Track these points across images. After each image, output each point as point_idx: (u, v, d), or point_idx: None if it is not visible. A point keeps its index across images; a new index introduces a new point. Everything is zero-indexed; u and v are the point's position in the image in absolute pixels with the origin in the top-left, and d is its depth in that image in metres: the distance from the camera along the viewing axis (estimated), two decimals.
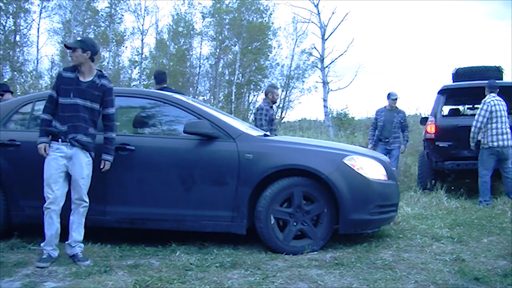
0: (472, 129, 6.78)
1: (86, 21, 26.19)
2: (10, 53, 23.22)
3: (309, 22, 24.49)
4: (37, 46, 25.19)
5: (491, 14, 55.85)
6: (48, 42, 41.98)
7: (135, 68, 30.40)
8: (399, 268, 3.59)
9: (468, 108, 10.22)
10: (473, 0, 55.89)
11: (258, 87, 31.30)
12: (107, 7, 27.19)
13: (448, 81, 9.03)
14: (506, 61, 42.34)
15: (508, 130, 6.69)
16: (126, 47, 29.97)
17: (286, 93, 29.86)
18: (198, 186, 4.21)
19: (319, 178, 4.13)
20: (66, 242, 3.82)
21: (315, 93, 30.08)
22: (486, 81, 7.07)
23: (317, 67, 25.11)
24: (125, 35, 28.98)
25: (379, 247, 4.25)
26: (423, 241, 4.47)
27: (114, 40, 28.26)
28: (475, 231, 4.98)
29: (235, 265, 3.68)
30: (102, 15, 27.38)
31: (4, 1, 22.54)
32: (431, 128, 7.74)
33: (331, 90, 22.80)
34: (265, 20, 29.78)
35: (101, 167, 3.95)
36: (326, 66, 23.06)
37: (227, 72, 31.09)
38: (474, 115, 7.00)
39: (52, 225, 3.76)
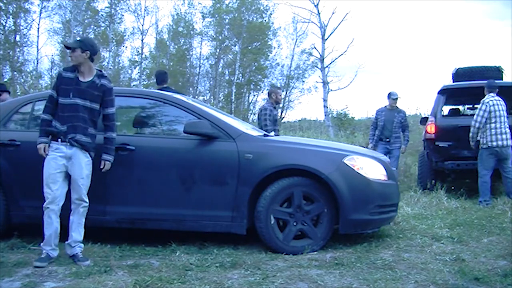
0: (471, 129, 6.79)
1: (86, 21, 26.20)
2: (10, 53, 23.22)
3: (309, 22, 24.52)
4: (37, 46, 25.23)
5: (491, 14, 55.88)
6: (48, 42, 42.02)
7: (135, 68, 30.44)
8: (399, 268, 3.59)
9: (468, 108, 10.21)
10: (473, 0, 55.93)
11: (258, 87, 31.32)
12: (107, 7, 27.22)
13: (448, 81, 9.04)
14: (506, 61, 42.42)
15: (507, 130, 6.69)
16: (126, 47, 30.03)
17: (286, 93, 29.87)
18: (198, 186, 4.21)
19: (319, 178, 4.13)
20: (66, 242, 3.82)
21: (315, 93, 30.13)
22: (486, 81, 7.08)
23: (317, 67, 25.12)
24: (125, 35, 29.00)
25: (379, 247, 4.25)
26: (423, 241, 4.47)
27: (114, 40, 28.27)
28: (475, 231, 4.98)
29: (235, 265, 3.68)
30: (102, 15, 27.40)
31: (4, 1, 22.54)
32: (431, 128, 7.74)
33: (331, 90, 22.82)
34: (265, 20, 29.80)
35: (101, 167, 3.94)
36: (326, 66, 23.06)
37: (227, 72, 31.11)
38: (474, 115, 7.01)
39: (51, 225, 3.76)
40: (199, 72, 30.94)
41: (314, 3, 23.09)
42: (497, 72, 8.37)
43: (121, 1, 27.60)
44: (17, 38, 24.06)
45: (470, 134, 6.82)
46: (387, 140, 8.54)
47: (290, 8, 42.06)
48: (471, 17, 52.97)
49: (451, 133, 7.58)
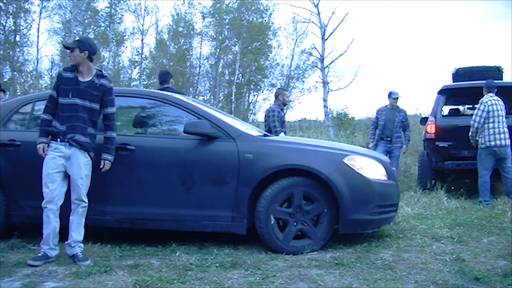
0: (471, 129, 6.81)
1: (86, 21, 26.22)
2: (10, 53, 23.23)
3: (309, 22, 24.53)
4: (37, 46, 25.26)
5: (491, 14, 55.90)
6: (48, 42, 42.10)
7: (135, 68, 30.47)
8: (399, 268, 3.59)
9: (468, 108, 10.21)
10: (473, 0, 55.94)
11: (258, 87, 31.33)
12: (107, 7, 27.25)
13: (448, 81, 9.03)
14: (506, 61, 42.43)
15: (506, 129, 6.70)
16: (126, 47, 30.08)
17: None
18: (198, 186, 4.21)
19: (319, 178, 4.13)
20: (66, 242, 3.82)
21: (315, 93, 30.15)
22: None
23: (317, 67, 25.13)
24: (125, 35, 29.04)
25: (379, 247, 4.25)
26: (423, 241, 4.47)
27: (114, 40, 28.29)
28: (475, 231, 4.98)
29: (235, 265, 3.68)
30: (102, 15, 27.43)
31: (4, 1, 22.55)
32: (431, 128, 7.74)
33: (331, 90, 22.82)
34: (265, 20, 29.83)
35: (101, 166, 3.94)
36: (326, 66, 23.06)
37: (227, 72, 31.13)
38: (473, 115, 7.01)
39: (49, 224, 3.76)
40: (199, 72, 30.96)
41: (314, 3, 23.12)
42: (497, 72, 8.37)
43: (121, 1, 27.63)
44: (17, 38, 24.08)
45: (470, 134, 6.84)
46: (388, 139, 8.52)
47: (290, 8, 42.15)
48: (471, 17, 53.02)
49: (451, 133, 7.58)
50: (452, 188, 7.53)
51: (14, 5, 23.17)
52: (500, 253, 4.05)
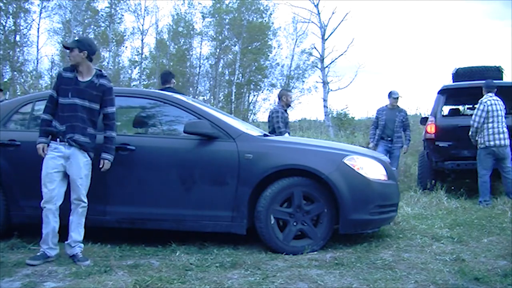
0: (470, 129, 6.81)
1: (86, 21, 26.22)
2: (10, 53, 23.23)
3: (309, 22, 24.54)
4: (37, 46, 25.26)
5: (491, 14, 55.91)
6: (48, 42, 42.10)
7: (135, 68, 30.47)
8: (399, 268, 3.59)
9: (468, 108, 10.21)
10: (473, 0, 55.95)
11: (258, 87, 31.33)
12: (107, 7, 27.25)
13: (448, 81, 9.03)
14: (506, 61, 42.44)
15: (505, 129, 6.71)
16: (126, 47, 30.08)
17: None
18: (198, 186, 4.21)
19: (319, 178, 4.13)
20: (66, 242, 3.82)
21: (315, 93, 30.15)
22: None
23: (317, 67, 25.14)
24: (125, 35, 29.04)
25: (379, 247, 4.25)
26: (423, 241, 4.47)
27: (114, 40, 28.29)
28: (475, 231, 4.98)
29: (235, 265, 3.68)
30: (102, 15, 27.43)
31: (4, 1, 22.55)
32: (431, 128, 7.74)
33: (331, 90, 22.83)
34: (265, 20, 29.82)
35: (100, 166, 3.93)
36: (326, 66, 23.07)
37: (227, 72, 31.12)
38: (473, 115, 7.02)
39: (48, 224, 3.76)
40: (199, 72, 30.96)
41: (314, 3, 23.13)
42: (497, 72, 8.37)
43: (121, 1, 27.63)
44: (17, 38, 24.08)
45: (470, 134, 6.85)
46: (389, 139, 8.50)
47: (290, 8, 42.13)
48: (471, 17, 53.03)
49: (451, 133, 7.58)
50: (452, 188, 7.53)
51: (14, 5, 23.17)
52: (500, 253, 4.05)
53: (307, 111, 65.70)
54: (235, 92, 29.12)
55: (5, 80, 21.87)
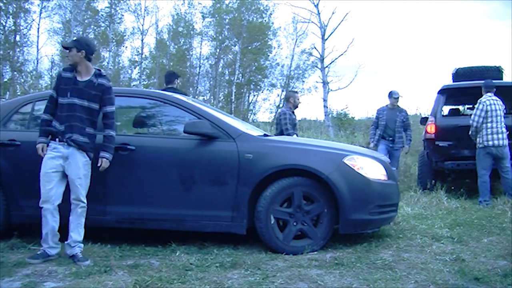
0: (470, 128, 6.82)
1: (86, 21, 26.20)
2: (10, 53, 23.20)
3: (309, 22, 24.53)
4: (37, 46, 25.24)
5: (491, 14, 55.92)
6: (48, 42, 42.12)
7: (135, 68, 30.46)
8: (399, 268, 3.59)
9: (468, 108, 10.21)
10: (473, 0, 55.95)
11: (258, 87, 31.32)
12: (107, 7, 27.22)
13: (448, 81, 9.03)
14: (506, 61, 42.44)
15: (504, 129, 6.71)
16: (126, 47, 30.05)
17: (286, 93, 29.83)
18: (198, 186, 4.21)
19: (319, 178, 4.13)
20: (66, 242, 3.82)
21: (315, 93, 30.17)
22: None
23: (317, 67, 25.13)
24: (125, 35, 29.01)
25: (379, 247, 4.25)
26: (423, 241, 4.47)
27: (114, 40, 28.27)
28: (475, 231, 4.98)
29: (235, 265, 3.68)
30: (102, 15, 27.41)
31: (4, 1, 22.53)
32: (431, 128, 7.74)
33: (331, 90, 22.83)
34: (265, 20, 29.80)
35: (98, 164, 3.90)
36: (326, 66, 23.07)
37: (227, 72, 31.11)
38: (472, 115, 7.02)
39: (47, 224, 3.77)
40: (199, 72, 30.94)
41: (314, 3, 23.13)
42: (497, 72, 8.37)
43: (121, 1, 27.61)
44: (17, 38, 24.05)
45: (469, 133, 6.86)
46: (391, 139, 8.48)
47: (290, 8, 42.09)
48: (471, 17, 53.05)
49: (451, 133, 7.59)
50: (452, 188, 7.54)
51: (14, 5, 23.15)
52: (500, 253, 4.05)
53: (307, 111, 65.80)
54: (235, 92, 29.10)
55: (5, 80, 21.86)
